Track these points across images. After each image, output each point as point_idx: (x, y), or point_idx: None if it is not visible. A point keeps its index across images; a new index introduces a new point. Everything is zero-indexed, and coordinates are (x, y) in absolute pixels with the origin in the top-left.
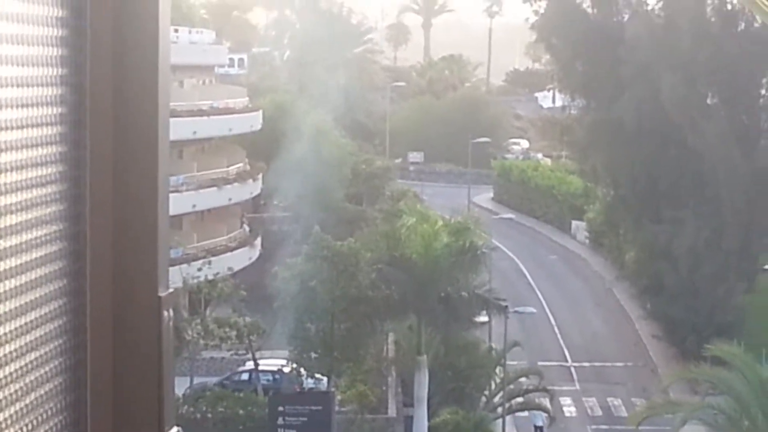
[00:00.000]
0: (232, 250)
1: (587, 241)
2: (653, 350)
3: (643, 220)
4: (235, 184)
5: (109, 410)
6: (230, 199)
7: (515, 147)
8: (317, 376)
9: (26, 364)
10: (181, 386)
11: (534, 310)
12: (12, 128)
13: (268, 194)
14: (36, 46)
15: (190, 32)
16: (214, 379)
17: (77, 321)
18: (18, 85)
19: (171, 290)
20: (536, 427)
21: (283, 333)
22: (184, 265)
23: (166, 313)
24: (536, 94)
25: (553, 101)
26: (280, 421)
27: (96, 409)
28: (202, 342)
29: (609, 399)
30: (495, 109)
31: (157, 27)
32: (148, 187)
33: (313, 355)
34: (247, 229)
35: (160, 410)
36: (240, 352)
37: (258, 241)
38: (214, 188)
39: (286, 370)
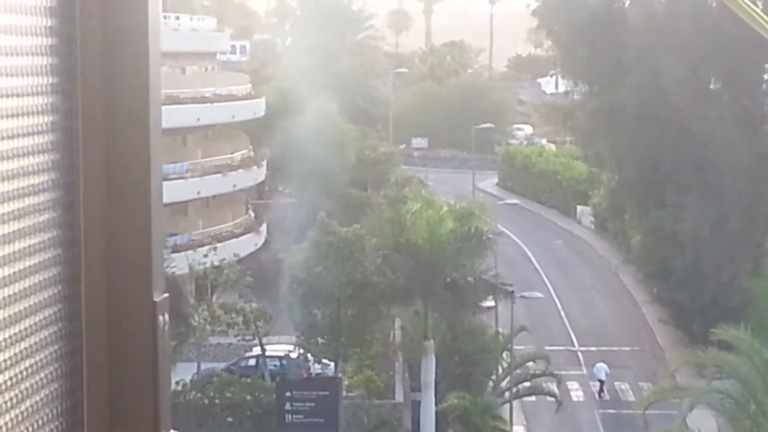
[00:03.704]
0: (237, 236)
1: (592, 226)
2: (660, 334)
3: (648, 204)
4: (240, 170)
5: (106, 415)
6: (235, 186)
7: (519, 133)
8: (324, 361)
9: (22, 371)
10: (188, 372)
11: (540, 295)
12: (2, 138)
13: (273, 180)
14: (25, 56)
15: (191, 19)
16: (222, 365)
17: (72, 327)
18: (8, 96)
19: (166, 295)
20: (600, 381)
21: (290, 319)
22: (190, 252)
23: (161, 318)
24: (539, 80)
25: (556, 87)
26: (287, 406)
27: (92, 414)
28: (208, 328)
29: (616, 383)
30: (498, 95)
31: (147, 33)
32: (141, 193)
33: (320, 340)
34: (252, 215)
35: (156, 414)
36: (247, 337)
37: (263, 228)
38: (219, 175)
39: (293, 355)
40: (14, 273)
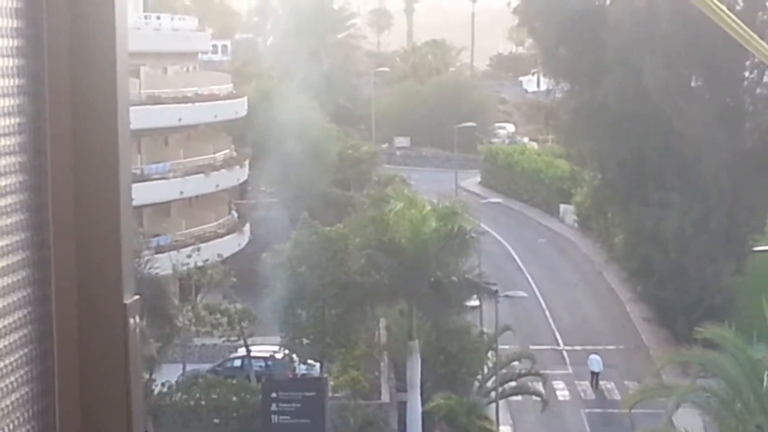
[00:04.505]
0: (221, 236)
1: (575, 224)
2: (644, 333)
3: (631, 203)
4: (222, 170)
5: (78, 418)
6: (218, 186)
7: (501, 131)
8: (309, 362)
9: None
10: (173, 373)
11: (525, 294)
12: None
13: (255, 180)
14: None
15: (172, 19)
16: (207, 366)
17: (43, 330)
18: None
19: (136, 297)
20: (593, 373)
21: (274, 319)
22: (174, 252)
23: (132, 321)
24: (521, 78)
25: (538, 85)
26: (273, 407)
27: (64, 417)
28: (193, 329)
29: (602, 382)
30: (480, 94)
31: (114, 35)
32: (109, 195)
33: (305, 341)
34: (235, 215)
35: (129, 417)
36: (232, 338)
37: (247, 228)
38: (201, 175)
39: (279, 356)
40: None
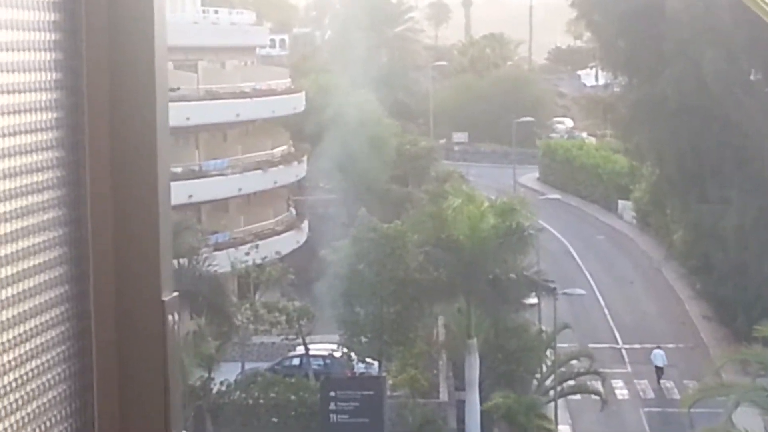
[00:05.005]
0: (279, 233)
1: (634, 220)
2: (704, 331)
3: (690, 198)
4: (281, 166)
5: (116, 416)
6: (276, 182)
7: (560, 126)
8: (368, 360)
9: (27, 372)
10: (232, 372)
11: (583, 292)
12: (5, 135)
13: (314, 176)
14: (29, 51)
15: (230, 13)
16: (265, 365)
17: (81, 327)
18: (11, 92)
19: (175, 293)
20: (657, 368)
21: (333, 317)
22: (232, 250)
23: (170, 317)
24: (579, 72)
25: (596, 79)
26: (332, 406)
27: (103, 415)
28: (252, 327)
29: (661, 381)
30: (538, 88)
31: (153, 29)
32: (148, 190)
33: (363, 339)
34: (293, 212)
35: (167, 415)
36: (290, 336)
37: (305, 224)
38: (260, 171)
39: (337, 354)
40: (18, 272)
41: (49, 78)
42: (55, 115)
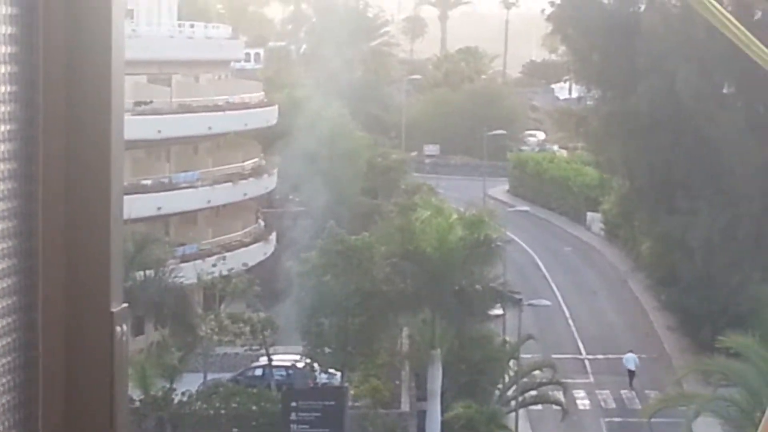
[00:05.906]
0: (246, 245)
1: (602, 232)
2: (667, 342)
3: (659, 211)
4: (251, 179)
5: (61, 427)
6: (245, 195)
7: (531, 139)
8: (331, 371)
9: None
10: (194, 382)
11: (549, 303)
12: None
13: (284, 189)
14: None
15: (206, 27)
16: (228, 375)
17: (28, 337)
18: None
19: (125, 305)
20: (629, 371)
21: (297, 328)
22: (199, 261)
23: (119, 329)
24: (553, 86)
25: (570, 92)
26: (293, 416)
27: (47, 426)
28: (216, 338)
29: (623, 391)
30: (511, 101)
31: (111, 44)
32: (100, 203)
33: (327, 350)
34: (262, 224)
35: (113, 428)
36: (254, 347)
37: (273, 236)
38: (230, 183)
39: (300, 365)
40: None
41: (4, 90)
42: (8, 127)
